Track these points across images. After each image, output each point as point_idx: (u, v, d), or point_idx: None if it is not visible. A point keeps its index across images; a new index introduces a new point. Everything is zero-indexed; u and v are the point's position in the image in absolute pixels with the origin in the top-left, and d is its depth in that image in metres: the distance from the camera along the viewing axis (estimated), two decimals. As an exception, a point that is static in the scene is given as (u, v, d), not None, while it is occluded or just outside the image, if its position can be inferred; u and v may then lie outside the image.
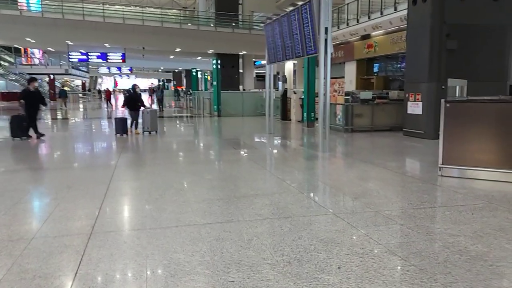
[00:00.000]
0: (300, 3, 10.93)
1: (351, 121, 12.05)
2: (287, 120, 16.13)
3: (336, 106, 12.37)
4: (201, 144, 10.81)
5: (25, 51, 44.80)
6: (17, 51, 43.03)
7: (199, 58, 37.76)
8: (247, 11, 30.62)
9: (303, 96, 14.26)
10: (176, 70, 58.58)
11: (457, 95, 7.83)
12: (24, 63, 44.59)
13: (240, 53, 30.97)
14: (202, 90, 30.36)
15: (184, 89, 47.67)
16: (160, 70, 69.98)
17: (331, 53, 8.08)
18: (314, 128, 12.71)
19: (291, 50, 9.54)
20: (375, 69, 18.69)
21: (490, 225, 3.80)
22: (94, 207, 4.42)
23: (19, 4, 25.53)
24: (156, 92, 28.04)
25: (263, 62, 21.03)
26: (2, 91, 38.03)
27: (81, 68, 50.71)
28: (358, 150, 9.26)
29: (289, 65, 30.22)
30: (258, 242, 3.38)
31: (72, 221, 3.98)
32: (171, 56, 39.10)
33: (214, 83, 19.05)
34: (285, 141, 10.88)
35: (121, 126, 11.21)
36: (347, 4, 19.18)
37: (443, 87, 9.45)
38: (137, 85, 12.43)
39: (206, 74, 36.47)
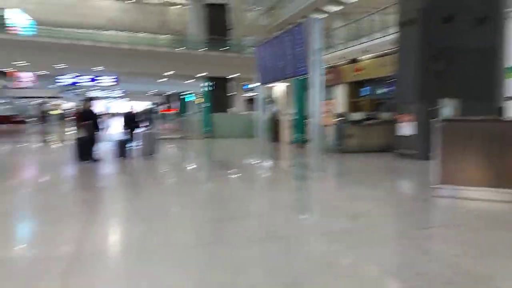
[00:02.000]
0: (290, 26, 11.09)
1: (342, 142, 12.05)
2: (278, 142, 16.09)
3: (327, 128, 12.39)
4: (193, 166, 10.67)
5: (16, 75, 44.62)
6: (9, 74, 42.83)
7: (192, 80, 37.97)
8: (238, 36, 31.08)
9: (294, 118, 14.30)
10: (168, 93, 58.72)
11: (447, 115, 7.88)
12: (15, 86, 44.37)
13: (231, 76, 31.23)
14: (193, 112, 30.44)
15: (175, 112, 47.68)
16: (151, 92, 70.09)
17: (322, 75, 8.12)
18: (305, 149, 12.68)
19: (282, 71, 9.59)
20: (365, 92, 18.90)
21: (491, 244, 3.74)
22: (80, 230, 4.27)
23: (9, 28, 25.56)
24: (146, 115, 28.10)
25: (251, 86, 21.24)
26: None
27: (73, 91, 50.56)
28: (350, 170, 9.21)
29: (280, 87, 30.47)
30: (251, 265, 3.25)
31: (57, 244, 3.83)
32: (162, 80, 39.25)
33: (205, 105, 19.08)
34: (276, 162, 10.80)
35: (120, 149, 10.58)
36: (337, 28, 19.57)
37: (434, 107, 9.52)
38: (133, 106, 12.61)
39: (197, 97, 36.71)
